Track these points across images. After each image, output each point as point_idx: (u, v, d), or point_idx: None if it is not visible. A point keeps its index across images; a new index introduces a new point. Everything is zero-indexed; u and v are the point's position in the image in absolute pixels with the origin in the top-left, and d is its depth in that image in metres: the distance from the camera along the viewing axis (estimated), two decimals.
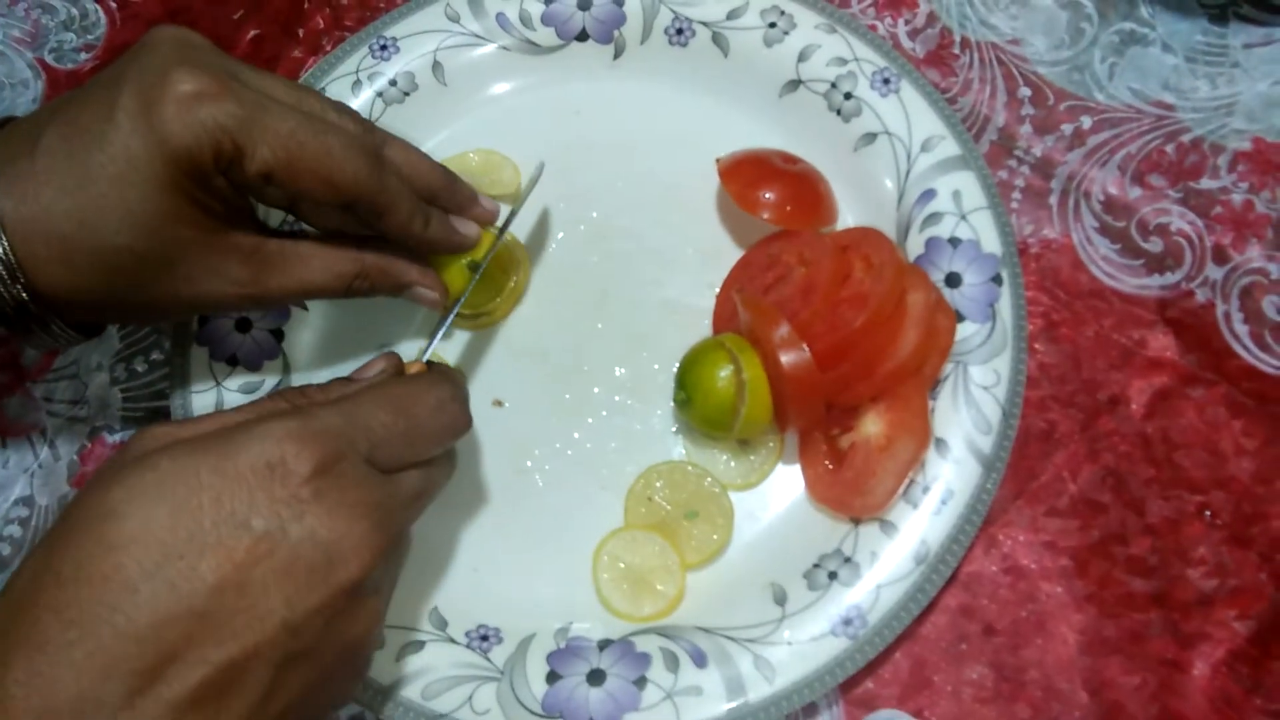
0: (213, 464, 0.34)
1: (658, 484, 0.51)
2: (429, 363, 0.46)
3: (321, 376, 0.53)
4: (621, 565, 0.49)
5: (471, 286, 0.50)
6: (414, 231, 0.47)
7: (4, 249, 0.39)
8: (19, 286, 0.40)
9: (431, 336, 0.47)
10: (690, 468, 0.51)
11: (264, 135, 0.40)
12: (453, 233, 0.50)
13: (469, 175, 0.52)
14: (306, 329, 0.55)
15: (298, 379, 0.53)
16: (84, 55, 0.65)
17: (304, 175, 0.42)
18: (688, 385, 0.49)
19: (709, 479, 0.51)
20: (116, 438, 0.56)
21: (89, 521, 0.33)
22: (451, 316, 0.49)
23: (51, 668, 0.31)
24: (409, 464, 0.40)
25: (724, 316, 0.54)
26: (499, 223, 0.53)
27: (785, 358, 0.46)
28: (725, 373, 0.48)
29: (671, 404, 0.52)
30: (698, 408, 0.49)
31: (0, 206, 0.39)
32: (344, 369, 0.54)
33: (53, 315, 0.42)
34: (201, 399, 0.52)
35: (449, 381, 0.43)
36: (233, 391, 0.52)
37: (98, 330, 0.47)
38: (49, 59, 0.65)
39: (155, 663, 0.31)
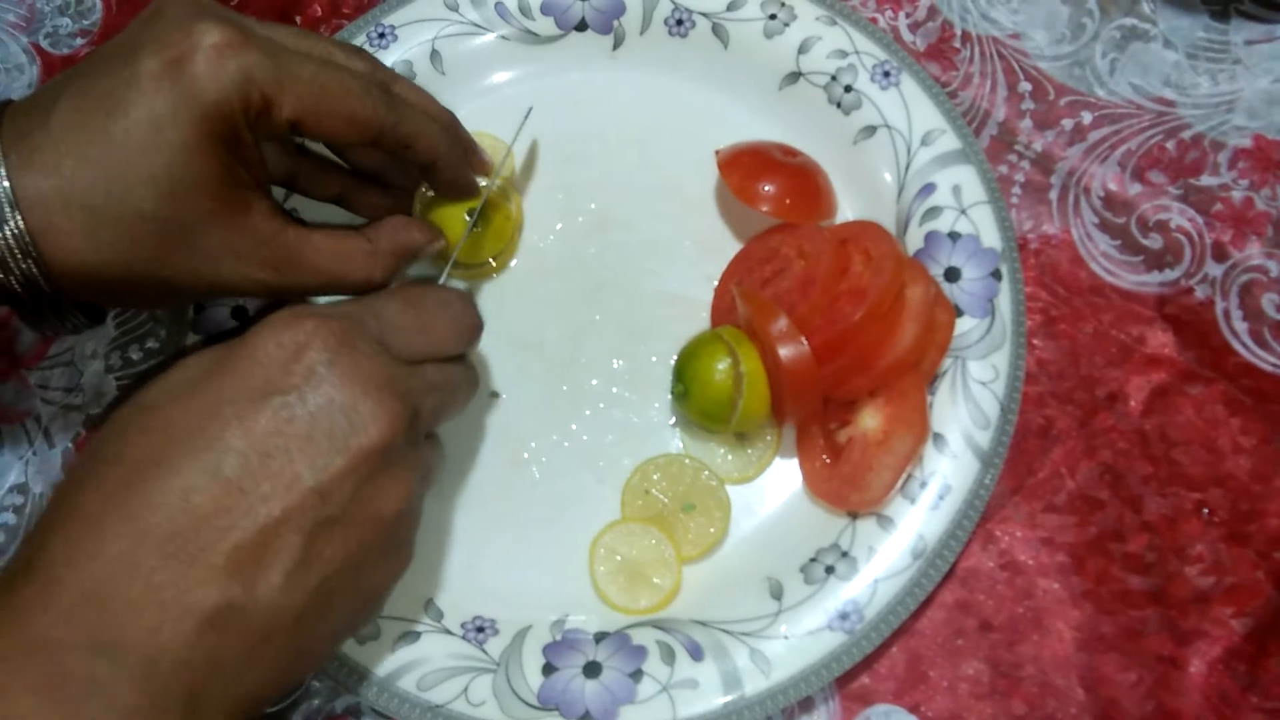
0: (234, 351, 0.37)
1: (655, 476, 0.51)
2: None
3: None
4: (618, 558, 0.49)
5: (468, 234, 0.51)
6: (442, 153, 0.47)
7: (17, 224, 0.38)
8: (30, 262, 0.39)
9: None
10: (688, 461, 0.51)
11: (289, 83, 0.40)
12: (467, 167, 0.51)
13: None
14: None
15: None
16: (79, 40, 0.64)
17: (329, 118, 0.42)
18: (685, 378, 0.49)
19: (706, 472, 0.51)
20: None
21: (126, 417, 0.36)
22: (451, 264, 0.49)
23: (92, 540, 0.33)
24: (423, 356, 0.41)
25: (722, 309, 0.54)
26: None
27: (783, 351, 0.46)
28: (723, 365, 0.48)
29: (669, 396, 0.52)
30: (695, 400, 0.49)
31: (17, 183, 0.38)
32: None
33: (63, 295, 0.42)
34: None
35: (455, 290, 0.45)
36: None
37: (102, 316, 0.46)
38: (44, 44, 0.64)
39: (188, 529, 0.34)
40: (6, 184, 0.38)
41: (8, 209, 0.38)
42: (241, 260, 0.43)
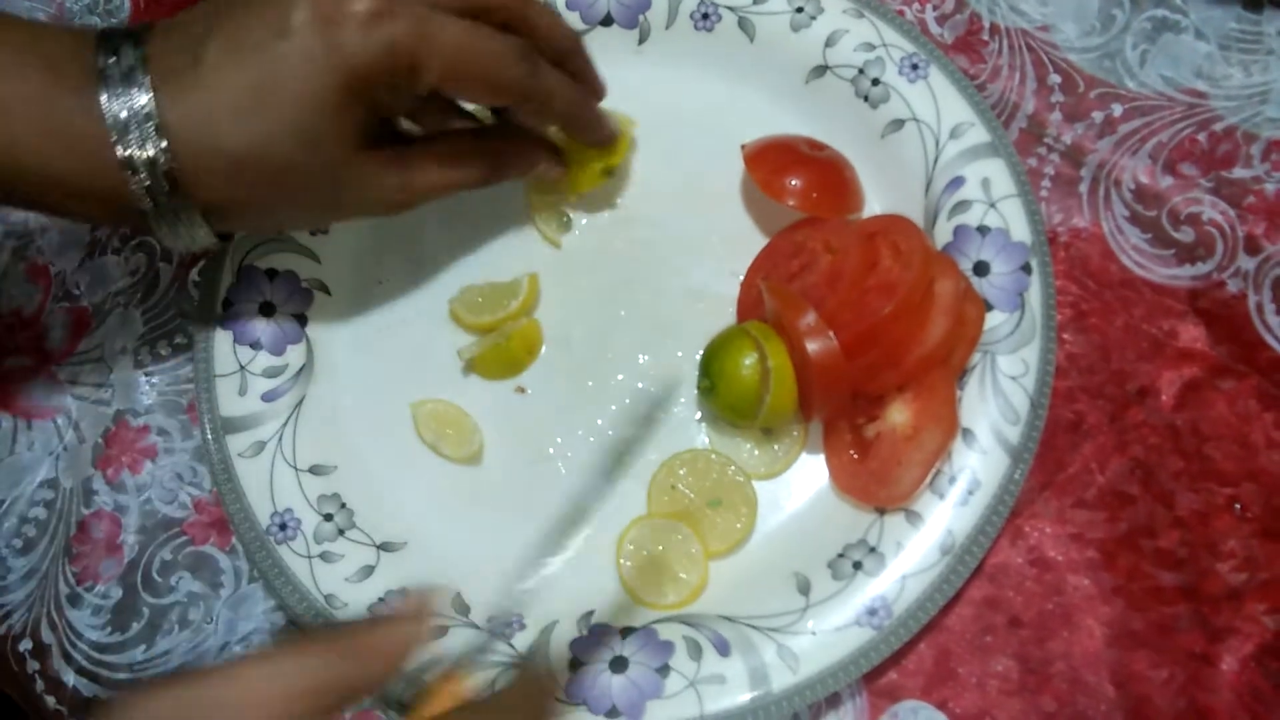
0: None
1: (681, 472, 0.51)
2: None
3: (344, 360, 0.54)
4: (644, 553, 0.49)
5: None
6: (576, 116, 0.50)
7: (166, 160, 0.41)
8: (180, 197, 0.42)
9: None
10: (714, 456, 0.51)
11: (434, 50, 0.42)
12: (600, 122, 0.52)
13: None
14: (330, 313, 0.54)
15: (321, 363, 0.53)
16: None
17: (471, 83, 0.45)
18: (712, 373, 0.49)
19: (733, 467, 0.50)
20: (140, 422, 0.56)
21: None
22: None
23: None
24: None
25: (749, 304, 0.53)
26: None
27: (811, 346, 0.46)
28: (750, 360, 0.48)
29: (695, 392, 0.52)
30: (722, 396, 0.49)
31: (167, 118, 0.40)
32: (368, 353, 0.54)
33: (203, 220, 0.44)
34: (226, 383, 0.52)
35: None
36: (256, 375, 0.52)
37: (229, 235, 0.49)
38: None
39: None
40: (155, 122, 0.40)
41: (155, 150, 0.41)
42: (376, 187, 0.46)
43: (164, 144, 0.40)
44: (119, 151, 0.40)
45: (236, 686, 0.30)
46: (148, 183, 0.41)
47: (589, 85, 0.51)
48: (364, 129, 0.44)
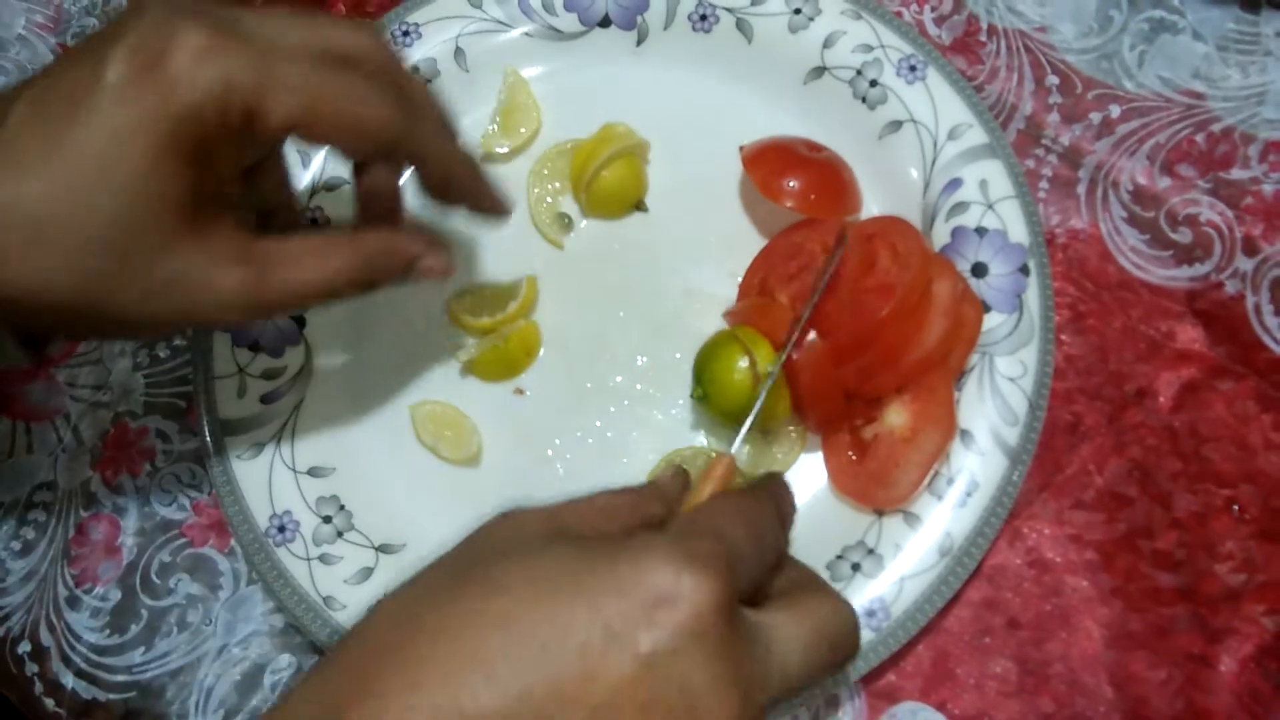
0: (603, 574, 0.30)
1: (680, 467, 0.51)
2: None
3: (344, 363, 0.54)
4: None
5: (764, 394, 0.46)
6: (457, 170, 0.44)
7: None
8: None
9: (738, 432, 0.44)
10: (714, 454, 0.51)
11: (278, 88, 0.36)
12: (488, 189, 0.47)
13: None
14: (328, 315, 0.54)
15: (320, 364, 0.53)
16: None
17: (330, 126, 0.38)
18: (704, 381, 0.49)
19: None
20: (139, 424, 0.56)
21: (467, 584, 0.31)
22: (755, 413, 0.45)
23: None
24: (761, 585, 0.35)
25: (742, 309, 0.53)
26: None
27: (796, 355, 0.46)
28: (741, 366, 0.48)
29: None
30: (715, 402, 0.49)
31: None
32: (367, 355, 0.54)
33: (11, 317, 0.38)
34: (224, 385, 0.52)
35: (778, 482, 0.41)
36: (255, 377, 0.52)
37: (41, 349, 0.42)
38: (71, 45, 0.64)
39: None
40: None
41: None
42: (206, 285, 0.38)
43: None
44: None
45: (583, 509, 0.36)
46: None
47: (489, 210, 0.47)
48: (194, 200, 0.37)
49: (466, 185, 0.46)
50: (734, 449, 0.43)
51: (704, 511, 0.36)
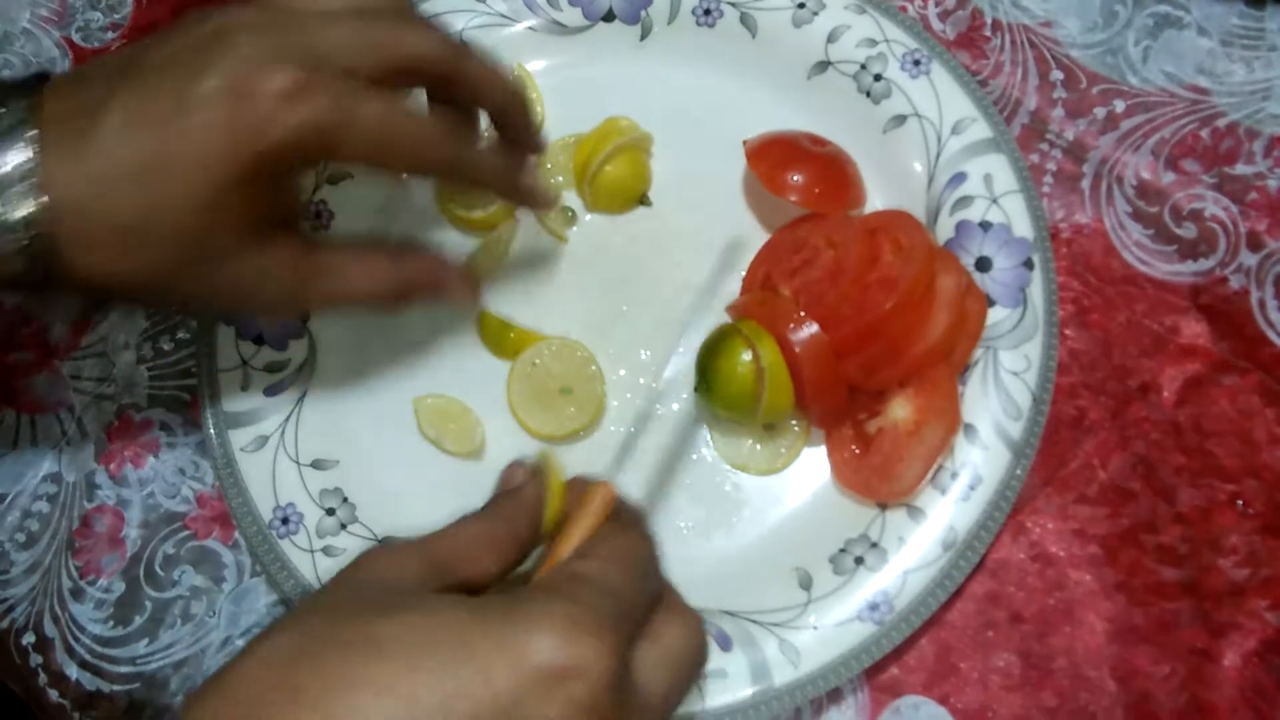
0: (494, 641, 0.29)
1: (546, 353, 0.53)
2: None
3: (346, 355, 0.54)
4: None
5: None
6: (503, 184, 0.48)
7: (46, 222, 0.37)
8: (58, 261, 0.38)
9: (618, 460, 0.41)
10: (579, 352, 0.53)
11: (357, 130, 0.39)
12: (532, 189, 0.50)
13: None
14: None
15: (324, 358, 0.53)
16: (111, 34, 0.65)
17: (392, 164, 0.43)
18: (707, 375, 0.49)
19: (594, 366, 0.53)
20: (143, 416, 0.56)
21: (350, 648, 0.29)
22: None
23: None
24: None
25: (745, 303, 0.53)
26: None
27: (799, 348, 0.46)
28: (744, 359, 0.48)
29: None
30: (719, 396, 0.49)
31: (52, 177, 0.37)
32: (370, 348, 0.54)
33: (78, 292, 0.41)
34: (228, 378, 0.52)
35: (643, 520, 0.39)
36: (259, 370, 0.52)
37: (106, 309, 0.47)
38: (76, 38, 0.65)
39: None
40: (34, 180, 0.37)
41: (32, 209, 0.37)
42: (267, 282, 0.43)
43: (44, 201, 0.37)
44: None
45: (458, 544, 0.35)
46: (24, 242, 0.38)
47: (526, 142, 0.49)
48: (267, 212, 0.41)
49: (512, 192, 0.50)
50: (609, 474, 0.39)
51: (591, 562, 0.34)
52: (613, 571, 0.33)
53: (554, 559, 0.35)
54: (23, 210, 0.37)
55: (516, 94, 0.47)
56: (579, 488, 0.39)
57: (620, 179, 0.55)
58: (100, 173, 0.38)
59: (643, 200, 0.56)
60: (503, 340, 0.53)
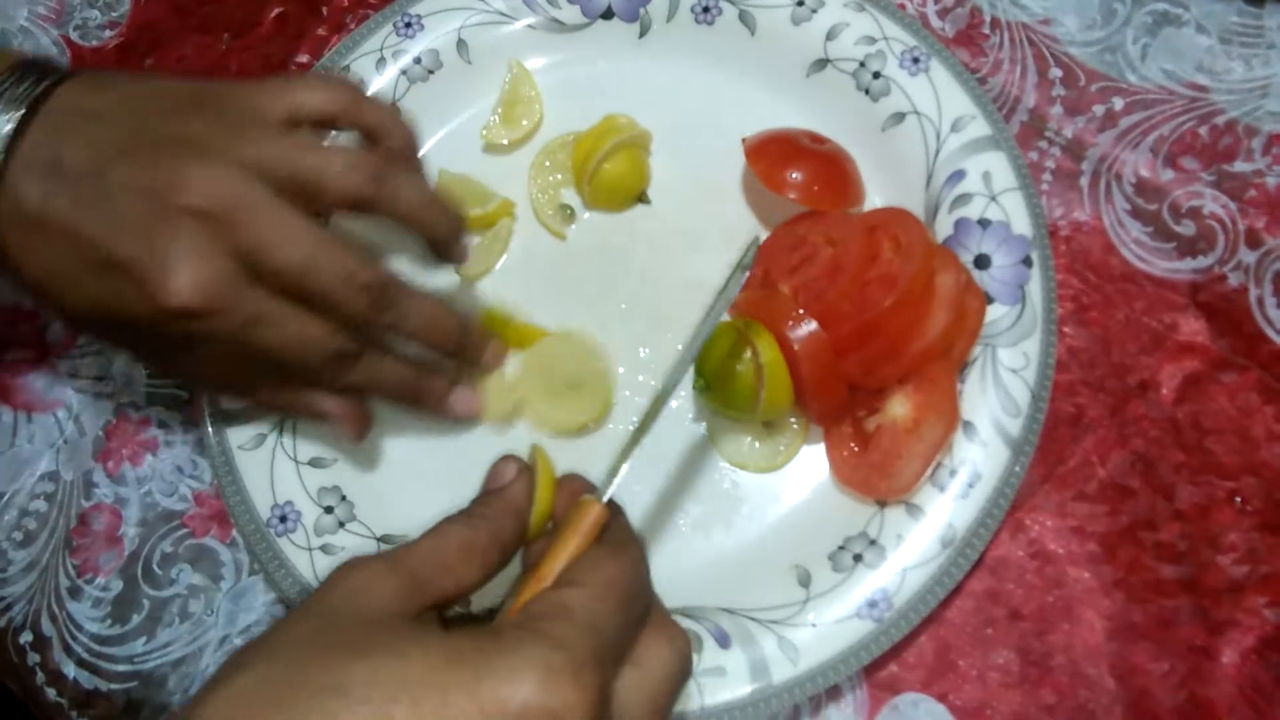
0: (470, 689, 0.28)
1: (558, 350, 0.53)
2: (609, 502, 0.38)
3: None
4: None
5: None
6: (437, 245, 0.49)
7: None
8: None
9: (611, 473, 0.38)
10: (584, 346, 0.54)
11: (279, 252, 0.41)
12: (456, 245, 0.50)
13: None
14: None
15: None
16: (108, 32, 0.65)
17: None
18: (706, 373, 0.49)
19: (600, 365, 0.53)
20: (141, 415, 0.56)
21: (314, 688, 0.28)
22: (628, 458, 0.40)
23: None
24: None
25: (745, 300, 0.53)
26: None
27: (798, 345, 0.46)
28: (743, 357, 0.48)
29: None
30: (718, 394, 0.49)
31: (16, 175, 0.40)
32: None
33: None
34: None
35: (634, 538, 0.37)
36: None
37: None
38: (74, 36, 0.65)
39: None
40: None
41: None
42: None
43: None
44: None
45: (437, 555, 0.34)
46: None
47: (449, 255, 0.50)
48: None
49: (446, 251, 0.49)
50: (604, 494, 0.37)
51: (577, 593, 0.32)
52: (599, 605, 0.32)
53: (539, 578, 0.34)
54: None
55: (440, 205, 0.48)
56: (572, 484, 0.39)
57: (619, 177, 0.55)
58: (38, 217, 0.40)
59: (641, 198, 0.56)
60: (504, 335, 0.53)
